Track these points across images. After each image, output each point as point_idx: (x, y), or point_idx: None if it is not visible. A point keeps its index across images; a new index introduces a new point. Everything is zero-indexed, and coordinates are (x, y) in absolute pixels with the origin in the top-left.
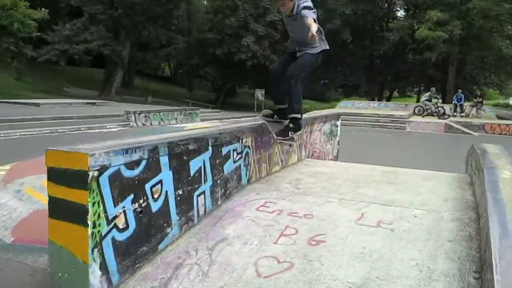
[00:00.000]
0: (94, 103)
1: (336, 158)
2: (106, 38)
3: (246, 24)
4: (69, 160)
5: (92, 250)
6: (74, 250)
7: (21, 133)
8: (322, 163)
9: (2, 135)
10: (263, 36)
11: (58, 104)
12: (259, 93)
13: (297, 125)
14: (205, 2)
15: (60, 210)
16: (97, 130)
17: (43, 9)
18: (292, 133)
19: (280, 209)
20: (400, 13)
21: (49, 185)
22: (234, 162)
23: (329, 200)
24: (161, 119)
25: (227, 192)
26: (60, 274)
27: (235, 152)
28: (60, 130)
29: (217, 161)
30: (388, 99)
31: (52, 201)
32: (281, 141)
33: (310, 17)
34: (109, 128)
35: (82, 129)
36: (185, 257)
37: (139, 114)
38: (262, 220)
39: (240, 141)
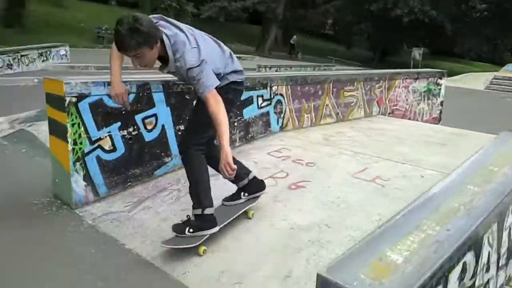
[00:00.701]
0: (239, 58)
1: (437, 120)
2: None
3: None
4: (54, 87)
5: (74, 163)
6: (62, 161)
7: None
8: (391, 120)
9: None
10: None
11: None
12: (416, 52)
13: (201, 222)
14: None
15: (53, 127)
16: None
17: None
18: (192, 231)
19: (289, 156)
20: None
21: (47, 107)
22: (259, 108)
23: (343, 152)
24: None
25: (249, 135)
26: (57, 179)
27: (260, 99)
28: None
29: None
30: None
31: (49, 120)
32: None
33: (212, 96)
34: None
35: None
36: (173, 183)
37: (270, 67)
38: (265, 163)
39: (269, 88)
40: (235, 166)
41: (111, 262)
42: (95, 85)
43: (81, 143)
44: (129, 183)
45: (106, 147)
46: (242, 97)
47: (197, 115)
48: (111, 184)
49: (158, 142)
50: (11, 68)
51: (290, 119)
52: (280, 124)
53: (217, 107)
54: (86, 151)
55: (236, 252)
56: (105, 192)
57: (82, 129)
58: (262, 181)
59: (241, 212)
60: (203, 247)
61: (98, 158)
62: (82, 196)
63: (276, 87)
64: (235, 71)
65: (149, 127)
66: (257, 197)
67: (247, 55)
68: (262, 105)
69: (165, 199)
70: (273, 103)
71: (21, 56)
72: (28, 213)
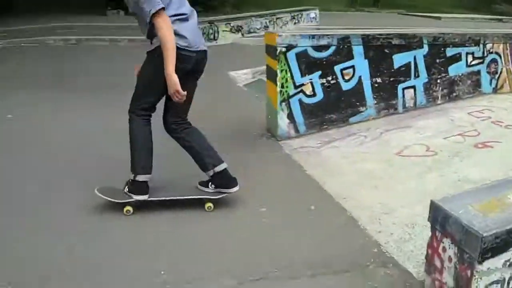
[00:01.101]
0: (500, 19)
1: None
2: None
3: None
4: (270, 39)
5: (281, 103)
6: (272, 101)
7: None
8: None
9: None
10: None
11: (461, 19)
12: None
13: (132, 186)
14: None
15: (268, 73)
16: None
17: None
18: (126, 190)
19: (490, 117)
20: None
21: (266, 56)
22: (468, 66)
23: None
24: None
25: (454, 94)
26: (269, 116)
27: (470, 56)
28: None
29: (437, 61)
30: None
31: (266, 67)
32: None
33: (160, 16)
34: None
35: None
36: (363, 130)
37: None
38: (462, 121)
39: (481, 45)
40: (184, 93)
41: (291, 180)
42: (302, 37)
43: (287, 87)
44: (324, 126)
45: (307, 92)
46: (448, 53)
47: (141, 78)
48: (309, 124)
49: (354, 92)
50: (266, 30)
51: (507, 81)
52: (493, 85)
53: (165, 25)
54: (290, 93)
55: (396, 192)
56: (304, 130)
57: (289, 74)
58: (234, 178)
59: (193, 197)
60: (128, 207)
61: (300, 101)
62: (285, 131)
63: (491, 44)
64: (176, 33)
65: (346, 77)
66: (224, 193)
67: (509, 17)
68: (472, 63)
69: (351, 142)
70: (486, 62)
71: (276, 18)
72: (247, 140)
